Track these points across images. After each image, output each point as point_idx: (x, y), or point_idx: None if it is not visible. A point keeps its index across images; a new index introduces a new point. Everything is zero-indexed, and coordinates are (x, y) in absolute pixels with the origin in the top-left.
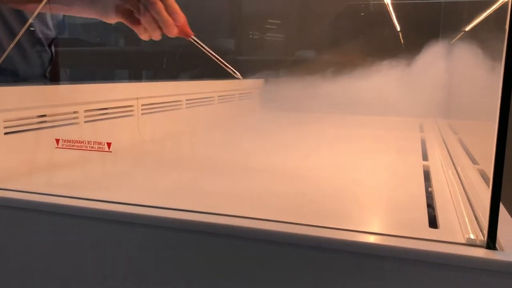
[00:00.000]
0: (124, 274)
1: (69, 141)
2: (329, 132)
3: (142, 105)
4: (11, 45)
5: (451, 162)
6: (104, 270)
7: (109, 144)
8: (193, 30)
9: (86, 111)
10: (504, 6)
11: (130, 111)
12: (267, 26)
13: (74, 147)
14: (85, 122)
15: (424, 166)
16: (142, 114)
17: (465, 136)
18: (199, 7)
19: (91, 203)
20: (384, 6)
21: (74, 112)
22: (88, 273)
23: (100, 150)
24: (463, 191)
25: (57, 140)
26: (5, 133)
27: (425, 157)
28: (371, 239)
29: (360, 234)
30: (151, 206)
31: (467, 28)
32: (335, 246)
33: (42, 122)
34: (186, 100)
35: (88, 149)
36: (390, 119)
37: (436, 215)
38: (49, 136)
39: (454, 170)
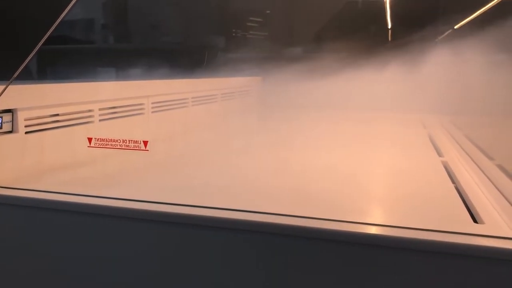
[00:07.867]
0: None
1: (102, 139)
2: (335, 129)
3: (152, 103)
4: (36, 48)
5: (467, 158)
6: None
7: (145, 143)
8: (190, 28)
9: (100, 109)
10: None
11: (141, 109)
12: (262, 24)
13: (107, 146)
14: (100, 120)
15: (442, 162)
16: (152, 112)
17: (473, 132)
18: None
19: (113, 202)
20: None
21: (89, 111)
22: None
23: (136, 148)
24: (491, 185)
25: (90, 139)
26: (26, 132)
27: (439, 153)
28: (423, 235)
29: (408, 231)
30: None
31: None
32: (382, 243)
33: (56, 121)
34: (192, 98)
35: (123, 147)
36: (389, 114)
37: (474, 210)
38: (67, 135)
39: (474, 165)
